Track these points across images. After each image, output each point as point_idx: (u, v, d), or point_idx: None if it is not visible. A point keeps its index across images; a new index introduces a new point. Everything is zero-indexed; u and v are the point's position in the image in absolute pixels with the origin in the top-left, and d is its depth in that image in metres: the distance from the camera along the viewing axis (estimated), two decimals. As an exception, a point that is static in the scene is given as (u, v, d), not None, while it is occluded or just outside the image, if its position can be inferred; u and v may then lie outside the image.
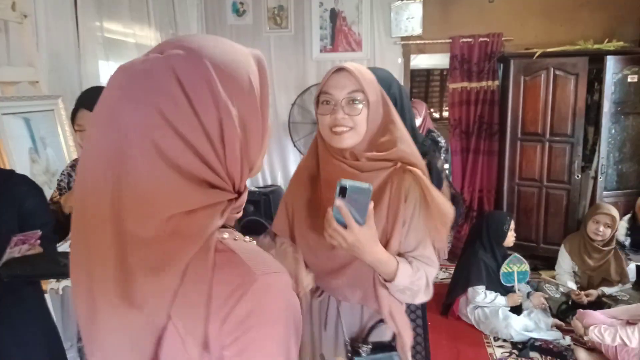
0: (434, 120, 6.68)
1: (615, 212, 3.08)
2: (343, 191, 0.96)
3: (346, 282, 1.15)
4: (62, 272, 1.56)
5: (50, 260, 1.57)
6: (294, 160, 4.46)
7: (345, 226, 0.98)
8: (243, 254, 0.57)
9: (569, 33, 3.94)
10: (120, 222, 0.53)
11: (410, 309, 1.68)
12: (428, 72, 6.93)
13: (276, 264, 0.59)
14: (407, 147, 1.12)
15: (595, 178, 3.72)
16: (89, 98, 1.57)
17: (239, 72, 0.59)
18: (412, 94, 7.01)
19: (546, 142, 3.77)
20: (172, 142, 0.54)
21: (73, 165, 1.77)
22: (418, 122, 3.64)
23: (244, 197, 0.63)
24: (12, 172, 1.62)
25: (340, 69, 1.09)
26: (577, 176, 3.72)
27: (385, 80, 1.45)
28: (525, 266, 3.00)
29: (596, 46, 3.67)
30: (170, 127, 0.54)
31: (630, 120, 3.65)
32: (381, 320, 1.18)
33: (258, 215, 3.91)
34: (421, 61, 4.98)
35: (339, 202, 0.96)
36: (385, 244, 1.08)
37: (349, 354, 1.17)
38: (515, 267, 3.02)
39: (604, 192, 3.65)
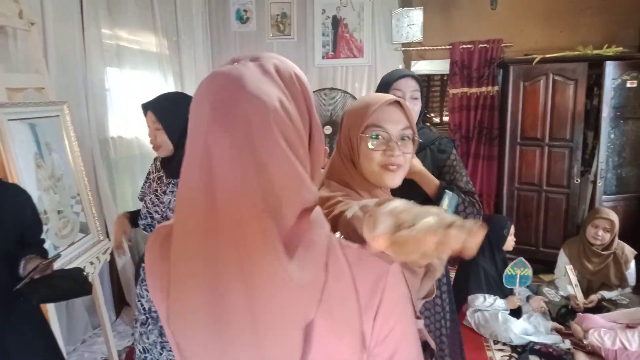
0: (434, 125, 6.72)
1: (614, 217, 3.09)
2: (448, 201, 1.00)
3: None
4: (85, 290, 1.68)
5: (71, 279, 1.63)
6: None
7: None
8: (360, 247, 0.59)
9: (569, 39, 3.98)
10: (271, 211, 0.54)
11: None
12: (429, 78, 6.96)
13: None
14: None
15: (594, 182, 3.74)
16: (155, 102, 1.77)
17: (306, 83, 0.64)
18: (414, 99, 7.03)
19: (545, 147, 3.80)
20: (294, 138, 0.58)
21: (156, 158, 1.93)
22: None
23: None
24: (8, 183, 1.69)
25: (392, 103, 1.02)
26: (577, 180, 3.74)
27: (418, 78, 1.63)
28: (529, 270, 3.01)
29: (595, 52, 3.70)
30: (291, 122, 0.57)
31: (630, 125, 3.67)
32: None
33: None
34: (422, 67, 5.02)
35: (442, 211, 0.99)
36: None
37: None
38: (519, 270, 3.04)
39: (603, 197, 3.67)
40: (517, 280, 3.01)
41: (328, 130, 4.04)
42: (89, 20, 2.93)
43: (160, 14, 3.66)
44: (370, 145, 0.99)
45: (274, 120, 0.55)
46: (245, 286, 0.53)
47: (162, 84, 3.69)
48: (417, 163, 1.52)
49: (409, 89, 1.61)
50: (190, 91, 4.12)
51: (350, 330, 0.55)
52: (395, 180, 1.02)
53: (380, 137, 1.00)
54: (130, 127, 3.36)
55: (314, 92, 4.25)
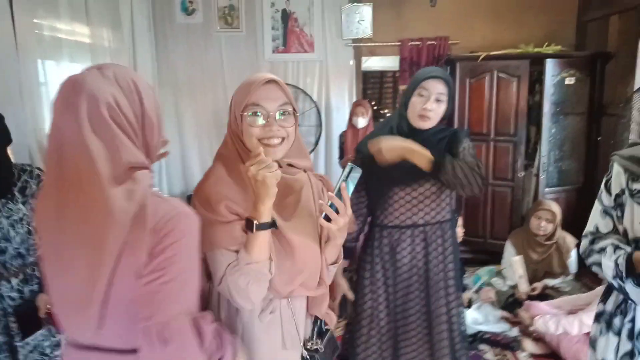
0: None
1: (555, 208, 3.24)
2: (350, 172, 1.09)
3: (307, 278, 1.16)
4: None
5: None
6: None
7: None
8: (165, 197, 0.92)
9: (513, 37, 4.12)
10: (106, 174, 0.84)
11: None
12: (381, 74, 7.04)
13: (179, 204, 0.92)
14: (309, 161, 1.26)
15: (537, 175, 3.90)
16: None
17: (147, 88, 0.94)
18: (366, 95, 7.08)
19: (491, 142, 3.93)
20: (122, 120, 0.88)
21: None
22: (365, 121, 3.70)
23: (153, 175, 0.94)
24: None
25: (269, 81, 1.11)
26: (520, 174, 3.89)
27: (451, 80, 1.72)
28: (488, 280, 3.18)
29: (536, 50, 3.85)
30: (120, 110, 0.87)
31: (569, 120, 3.85)
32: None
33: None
34: (373, 63, 5.06)
35: (344, 183, 1.09)
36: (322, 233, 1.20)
37: (308, 357, 1.19)
38: (486, 277, 3.23)
39: (546, 189, 3.84)
40: (479, 283, 3.15)
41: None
42: (19, 10, 2.72)
43: (102, 3, 3.46)
44: (249, 122, 1.09)
45: (105, 108, 0.85)
46: (80, 211, 0.83)
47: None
48: (409, 144, 1.59)
49: (435, 90, 1.64)
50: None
51: (139, 251, 0.82)
52: (277, 153, 1.11)
53: (258, 114, 1.09)
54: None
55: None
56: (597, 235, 1.33)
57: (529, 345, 2.78)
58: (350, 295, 1.81)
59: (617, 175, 1.28)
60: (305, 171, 1.23)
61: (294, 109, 1.13)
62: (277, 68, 4.38)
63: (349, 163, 1.10)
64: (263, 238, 1.02)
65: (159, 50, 4.30)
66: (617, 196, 1.28)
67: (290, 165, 1.18)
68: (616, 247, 1.23)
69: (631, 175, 1.24)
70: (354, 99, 4.40)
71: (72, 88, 0.86)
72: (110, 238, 0.80)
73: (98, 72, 0.89)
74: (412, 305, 1.81)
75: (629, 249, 1.21)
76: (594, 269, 1.31)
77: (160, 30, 4.30)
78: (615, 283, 1.22)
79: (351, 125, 3.76)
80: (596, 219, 1.35)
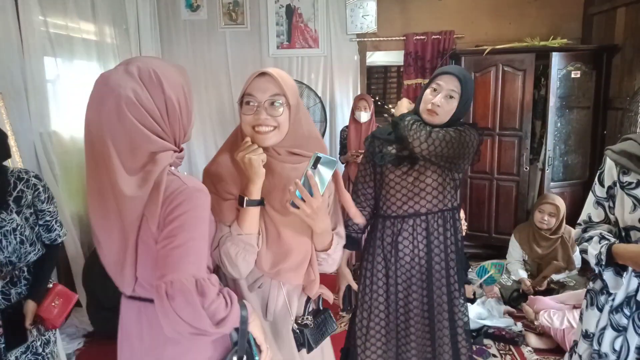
0: (392, 116, 6.78)
1: (559, 202, 3.22)
2: (316, 162, 1.12)
3: (293, 265, 1.25)
4: None
5: None
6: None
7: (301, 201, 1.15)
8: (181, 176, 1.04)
9: (517, 30, 4.10)
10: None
11: None
12: (385, 69, 7.02)
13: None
14: (322, 148, 1.29)
15: (542, 170, 3.88)
16: None
17: (171, 74, 1.04)
18: (371, 90, 7.07)
19: (496, 136, 3.91)
20: (142, 113, 0.98)
21: None
22: (367, 116, 3.69)
23: (183, 152, 1.09)
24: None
25: (262, 74, 1.20)
26: (526, 168, 3.88)
27: (472, 81, 1.75)
28: (499, 276, 3.15)
29: (542, 43, 3.83)
30: (140, 103, 0.98)
31: (575, 114, 3.83)
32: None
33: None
34: (377, 58, 5.05)
35: (310, 171, 1.12)
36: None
37: (297, 331, 1.30)
38: (494, 270, 3.18)
39: (551, 183, 3.82)
40: (485, 277, 3.13)
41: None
42: (24, 8, 2.75)
43: (107, 1, 3.48)
44: (243, 110, 1.21)
45: (124, 103, 0.96)
46: (110, 193, 0.99)
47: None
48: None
49: (447, 86, 1.66)
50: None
51: (152, 222, 0.98)
52: (267, 141, 1.19)
53: (250, 103, 1.19)
54: (73, 120, 3.18)
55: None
56: (589, 225, 1.46)
57: (533, 340, 2.78)
58: (355, 286, 1.84)
59: (609, 169, 1.41)
60: None
61: (288, 101, 1.19)
62: (281, 64, 4.38)
63: (315, 153, 1.15)
64: (253, 213, 1.17)
65: (164, 46, 4.32)
66: (609, 188, 1.41)
67: (294, 154, 1.24)
68: (602, 238, 1.36)
69: (622, 169, 1.36)
70: (359, 94, 4.39)
71: (99, 86, 0.99)
72: (127, 215, 0.98)
73: (123, 68, 1.00)
74: (414, 297, 1.81)
75: (612, 239, 1.34)
76: (583, 255, 1.44)
77: (165, 27, 4.32)
78: (596, 269, 1.38)
79: (353, 119, 3.74)
80: (589, 209, 1.47)
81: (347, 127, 3.87)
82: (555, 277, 3.22)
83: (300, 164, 1.24)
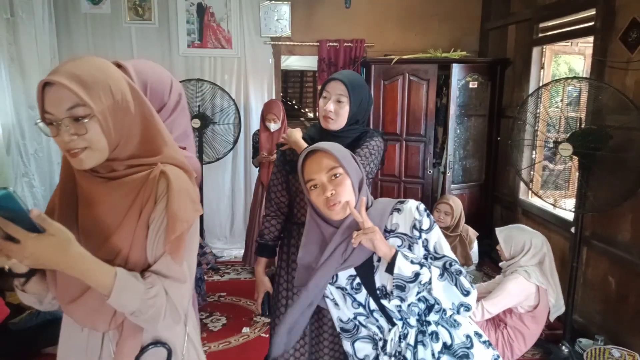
0: (309, 120, 6.86)
1: (453, 202, 3.45)
2: None
3: (92, 307, 0.97)
4: None
5: None
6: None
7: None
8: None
9: (422, 42, 4.34)
10: None
11: None
12: (302, 73, 7.08)
13: None
14: (174, 151, 1.04)
15: (444, 173, 4.15)
16: None
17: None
18: (287, 94, 7.10)
19: (403, 142, 4.11)
20: None
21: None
22: (277, 126, 3.68)
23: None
24: None
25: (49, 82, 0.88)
26: (429, 171, 4.11)
27: (362, 83, 1.79)
28: None
29: (444, 55, 4.09)
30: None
31: (472, 121, 4.13)
32: (152, 344, 1.03)
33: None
34: (292, 62, 5.08)
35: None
36: (121, 251, 0.96)
37: None
38: None
39: (452, 185, 4.09)
40: None
41: (196, 123, 3.85)
42: None
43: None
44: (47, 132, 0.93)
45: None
46: None
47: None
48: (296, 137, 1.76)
49: (335, 91, 1.71)
50: (31, 79, 3.62)
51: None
52: (84, 163, 0.92)
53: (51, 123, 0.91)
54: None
55: (180, 82, 4.05)
56: None
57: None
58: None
59: None
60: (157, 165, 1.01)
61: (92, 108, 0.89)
62: (192, 63, 4.26)
63: None
64: None
65: (61, 41, 4.00)
66: None
67: (136, 165, 0.99)
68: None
69: None
70: (274, 97, 4.38)
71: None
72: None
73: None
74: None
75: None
76: None
77: (63, 20, 4.00)
78: None
79: (264, 126, 3.72)
80: None
81: (258, 131, 3.84)
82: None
83: (139, 173, 0.98)
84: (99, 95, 0.90)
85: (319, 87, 4.42)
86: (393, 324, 1.31)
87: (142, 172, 0.98)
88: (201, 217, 3.14)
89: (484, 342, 1.35)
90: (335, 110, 1.71)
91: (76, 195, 1.00)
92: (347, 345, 1.40)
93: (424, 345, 1.28)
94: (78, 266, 0.87)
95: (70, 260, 0.86)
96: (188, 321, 1.11)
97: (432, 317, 1.30)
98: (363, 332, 1.38)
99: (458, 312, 1.27)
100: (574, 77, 3.18)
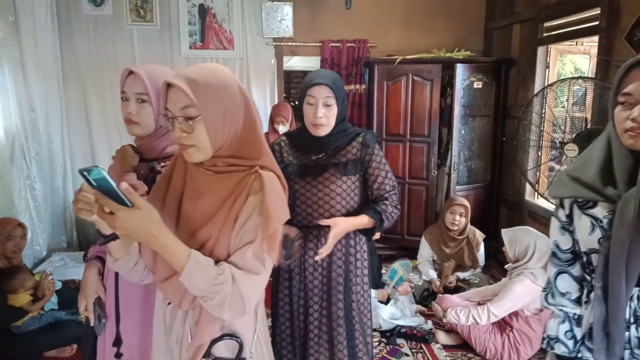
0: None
1: (467, 203, 3.43)
2: (86, 179, 0.90)
3: (179, 288, 1.04)
4: None
5: None
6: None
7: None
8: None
9: (426, 41, 4.30)
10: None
11: None
12: (305, 74, 7.07)
13: None
14: (271, 160, 1.12)
15: (449, 174, 4.11)
16: None
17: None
18: (290, 94, 7.09)
19: (407, 142, 4.07)
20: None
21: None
22: (286, 128, 3.67)
23: None
24: None
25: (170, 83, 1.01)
26: (434, 173, 4.08)
27: (338, 77, 1.76)
28: (407, 274, 3.28)
29: (448, 55, 4.05)
30: None
31: (477, 122, 4.09)
32: (226, 335, 1.09)
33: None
34: (294, 63, 5.05)
35: (92, 190, 0.91)
36: (209, 241, 1.05)
37: None
38: (402, 270, 3.29)
39: (457, 187, 4.05)
40: (396, 278, 3.23)
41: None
42: None
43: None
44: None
45: None
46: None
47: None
48: (350, 225, 1.73)
49: (321, 96, 1.67)
50: (34, 80, 3.62)
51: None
52: (191, 157, 1.04)
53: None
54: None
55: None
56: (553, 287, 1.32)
57: (442, 337, 2.92)
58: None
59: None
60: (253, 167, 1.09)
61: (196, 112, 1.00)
62: (194, 64, 4.18)
63: (79, 169, 0.92)
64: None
65: (64, 43, 3.99)
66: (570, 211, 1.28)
67: (235, 165, 1.08)
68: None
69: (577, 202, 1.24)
70: (276, 98, 4.37)
71: None
72: None
73: None
74: (315, 309, 1.84)
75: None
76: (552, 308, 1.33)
77: (65, 22, 4.00)
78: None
79: (273, 128, 3.72)
80: (555, 235, 1.32)
81: (266, 133, 3.83)
82: (461, 275, 3.41)
83: (236, 172, 1.08)
84: (209, 100, 0.99)
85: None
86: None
87: (240, 171, 1.07)
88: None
89: None
90: (325, 114, 1.68)
91: (182, 188, 1.11)
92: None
93: None
94: (159, 239, 0.95)
95: (153, 232, 0.95)
96: (258, 320, 1.17)
97: None
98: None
99: None
100: (579, 77, 3.14)
